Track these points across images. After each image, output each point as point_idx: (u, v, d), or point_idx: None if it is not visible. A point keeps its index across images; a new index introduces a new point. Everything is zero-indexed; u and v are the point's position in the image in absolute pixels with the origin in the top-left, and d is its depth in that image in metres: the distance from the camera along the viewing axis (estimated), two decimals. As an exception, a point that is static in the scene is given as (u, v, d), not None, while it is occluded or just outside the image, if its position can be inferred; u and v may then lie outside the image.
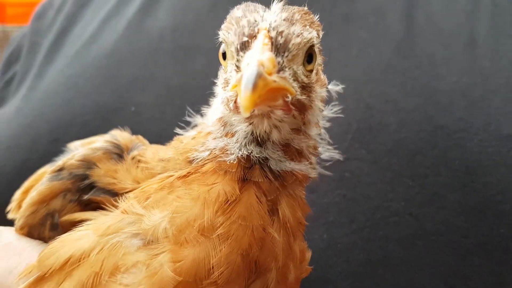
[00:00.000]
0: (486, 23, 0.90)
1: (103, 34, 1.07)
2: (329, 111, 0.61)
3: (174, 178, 0.54)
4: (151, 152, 0.64)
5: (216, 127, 0.56)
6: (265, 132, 0.52)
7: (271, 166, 0.53)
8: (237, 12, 0.53)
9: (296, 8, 0.53)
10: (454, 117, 0.82)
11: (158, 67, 0.99)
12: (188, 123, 0.64)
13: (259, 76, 0.43)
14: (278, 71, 0.47)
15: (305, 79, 0.52)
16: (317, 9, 0.57)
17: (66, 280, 0.49)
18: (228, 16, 0.54)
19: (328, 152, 0.60)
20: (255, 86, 0.43)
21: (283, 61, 0.49)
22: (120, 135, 0.67)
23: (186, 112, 0.63)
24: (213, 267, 0.48)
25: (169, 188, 0.53)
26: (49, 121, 0.95)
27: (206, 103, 0.63)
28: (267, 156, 0.53)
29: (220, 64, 0.57)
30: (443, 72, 0.86)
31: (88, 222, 0.55)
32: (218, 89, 0.58)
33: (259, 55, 0.45)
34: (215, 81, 0.61)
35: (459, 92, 0.84)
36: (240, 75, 0.45)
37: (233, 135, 0.54)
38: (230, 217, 0.50)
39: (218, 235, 0.49)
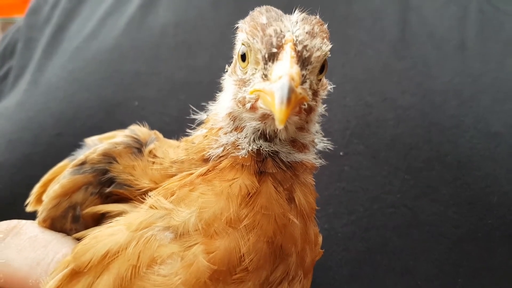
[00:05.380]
0: (475, 28, 0.95)
1: (103, 30, 1.06)
2: (321, 108, 0.63)
3: (195, 176, 0.56)
4: (161, 151, 0.65)
5: (226, 122, 0.58)
6: (274, 131, 0.55)
7: (282, 158, 0.56)
8: (261, 17, 0.53)
9: (314, 19, 0.55)
10: (446, 115, 0.86)
11: (161, 62, 0.99)
12: (193, 121, 0.64)
13: (291, 90, 0.46)
14: (302, 83, 0.50)
15: (316, 87, 0.55)
16: (317, 11, 0.60)
17: (103, 274, 0.50)
18: (249, 19, 0.55)
19: (322, 143, 0.63)
20: (289, 100, 0.45)
21: (306, 74, 0.51)
22: (139, 130, 0.68)
23: (190, 110, 0.64)
24: (243, 255, 0.50)
25: (190, 186, 0.55)
26: (53, 115, 0.94)
27: (209, 98, 0.64)
28: (277, 150, 0.56)
29: (230, 61, 0.58)
30: (436, 72, 0.90)
31: (117, 218, 0.55)
32: (228, 85, 0.59)
33: (289, 69, 0.47)
34: (222, 75, 0.62)
35: (451, 91, 0.88)
36: (271, 87, 0.48)
37: (242, 130, 0.56)
38: (253, 208, 0.52)
39: (244, 225, 0.51)
